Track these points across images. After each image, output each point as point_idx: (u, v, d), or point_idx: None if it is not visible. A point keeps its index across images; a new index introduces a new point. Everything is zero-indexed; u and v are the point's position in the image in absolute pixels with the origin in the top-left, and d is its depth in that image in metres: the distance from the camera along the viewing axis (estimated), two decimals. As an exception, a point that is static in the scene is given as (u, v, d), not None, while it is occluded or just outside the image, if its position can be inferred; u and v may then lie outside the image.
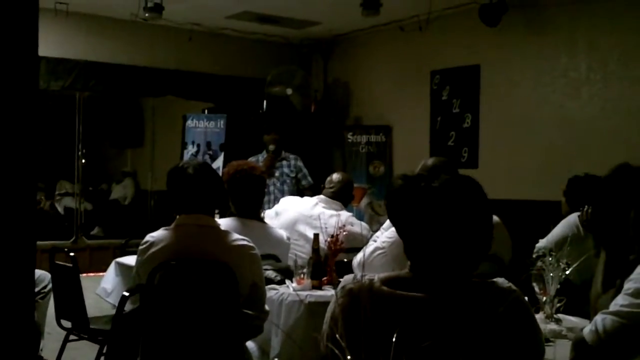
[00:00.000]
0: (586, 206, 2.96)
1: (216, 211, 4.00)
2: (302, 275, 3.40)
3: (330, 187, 4.51)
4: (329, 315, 1.70)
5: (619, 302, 2.05)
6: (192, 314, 2.71)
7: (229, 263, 2.72)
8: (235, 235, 2.87)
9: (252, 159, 6.24)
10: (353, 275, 1.72)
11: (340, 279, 3.57)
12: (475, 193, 1.74)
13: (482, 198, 1.76)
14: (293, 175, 6.52)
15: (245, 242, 2.85)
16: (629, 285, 2.06)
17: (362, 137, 7.92)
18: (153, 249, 2.80)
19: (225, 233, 2.87)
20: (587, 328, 2.07)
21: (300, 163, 6.56)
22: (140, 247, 2.86)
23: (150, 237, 2.85)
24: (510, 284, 1.70)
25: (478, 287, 1.67)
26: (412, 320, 1.61)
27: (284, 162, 6.56)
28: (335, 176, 4.61)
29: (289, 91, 7.70)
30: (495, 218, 3.55)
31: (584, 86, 6.21)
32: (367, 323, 1.54)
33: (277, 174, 6.48)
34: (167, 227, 2.87)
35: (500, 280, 1.71)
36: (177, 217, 2.89)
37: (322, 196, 4.46)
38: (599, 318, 2.06)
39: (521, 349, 1.64)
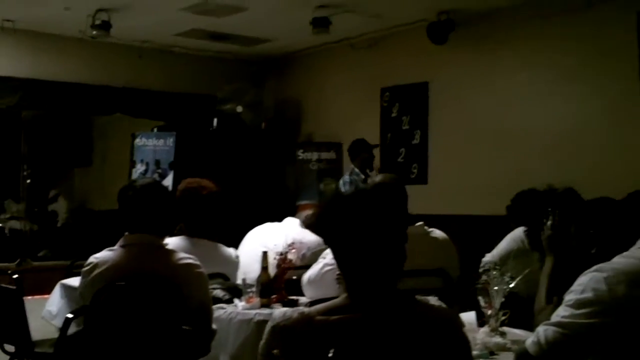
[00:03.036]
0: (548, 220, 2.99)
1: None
2: (251, 294, 3.37)
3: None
4: (260, 351, 1.71)
5: (560, 313, 2.08)
6: (137, 335, 2.67)
7: (175, 282, 2.69)
8: (181, 254, 2.84)
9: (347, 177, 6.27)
10: (283, 311, 1.72)
11: (291, 297, 3.57)
12: (392, 202, 1.77)
13: (405, 210, 1.79)
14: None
15: (191, 261, 2.82)
16: (569, 297, 2.09)
17: (313, 154, 7.94)
18: (97, 270, 2.76)
19: (171, 252, 2.84)
20: (530, 339, 2.10)
21: None
22: (84, 269, 2.81)
23: (94, 258, 2.81)
24: (441, 303, 1.73)
25: (411, 305, 1.69)
26: (349, 343, 1.62)
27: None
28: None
29: (240, 108, 7.69)
30: (442, 234, 3.61)
31: (529, 102, 6.33)
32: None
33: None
34: (111, 248, 2.83)
35: (433, 299, 1.73)
36: (123, 237, 2.85)
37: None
38: (540, 329, 2.08)
39: None
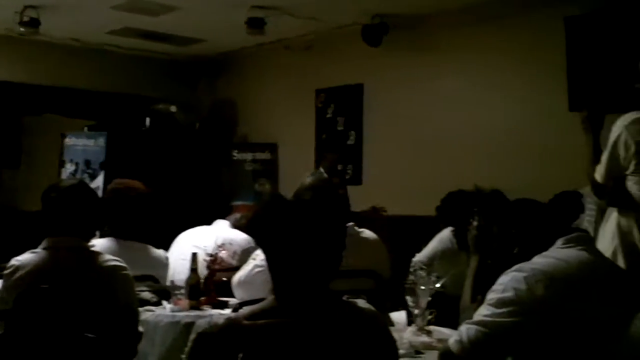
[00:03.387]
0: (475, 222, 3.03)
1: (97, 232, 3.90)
2: (179, 296, 3.34)
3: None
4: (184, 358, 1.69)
5: (482, 312, 2.11)
6: (60, 339, 2.60)
7: (100, 285, 2.64)
8: (107, 256, 2.79)
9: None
10: (209, 318, 1.71)
11: (221, 299, 3.54)
12: (334, 208, 1.77)
13: (341, 214, 1.80)
14: None
15: (117, 263, 2.77)
16: (491, 296, 2.12)
17: (248, 155, 7.90)
18: (19, 273, 2.69)
19: (96, 254, 2.78)
20: (453, 338, 2.13)
21: None
22: (5, 272, 2.74)
23: (16, 260, 2.73)
24: (369, 306, 1.74)
25: (339, 308, 1.70)
26: (276, 348, 1.61)
27: None
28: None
29: (173, 108, 7.60)
30: (372, 234, 3.64)
31: (461, 104, 6.43)
32: None
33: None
34: (34, 250, 2.76)
35: (361, 302, 1.75)
36: (45, 239, 2.78)
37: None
38: (463, 328, 2.12)
39: None
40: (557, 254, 2.16)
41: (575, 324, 2.04)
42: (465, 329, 2.10)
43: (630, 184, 3.02)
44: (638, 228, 3.02)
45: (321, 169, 6.53)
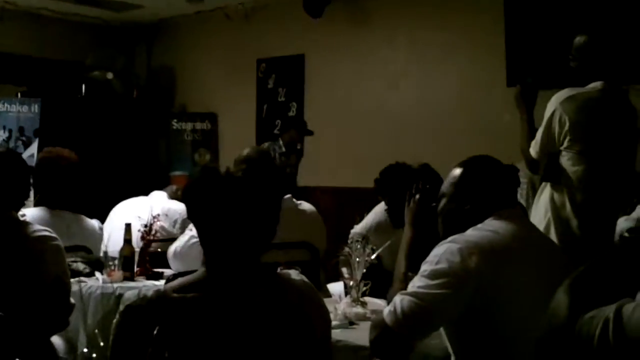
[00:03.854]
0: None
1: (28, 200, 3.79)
2: (113, 267, 3.28)
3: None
4: (113, 332, 1.66)
5: (416, 283, 2.11)
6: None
7: (28, 255, 2.56)
8: (36, 227, 2.71)
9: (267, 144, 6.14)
10: (137, 290, 1.68)
11: (156, 270, 3.50)
12: (266, 183, 1.75)
13: (275, 188, 1.78)
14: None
15: (46, 233, 2.69)
16: (424, 267, 2.12)
17: (187, 125, 7.79)
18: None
19: (24, 225, 2.69)
20: (387, 309, 2.13)
21: None
22: None
23: (-61, 230, 2.62)
24: (302, 277, 1.73)
25: (270, 280, 1.69)
26: (207, 320, 1.59)
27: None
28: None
29: (110, 75, 7.42)
30: (310, 207, 3.64)
31: (402, 78, 6.46)
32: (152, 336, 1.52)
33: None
34: (-44, 221, 2.65)
35: (294, 273, 1.74)
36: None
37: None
38: (397, 299, 2.11)
39: (311, 337, 1.67)
40: (491, 227, 2.16)
41: (507, 296, 2.05)
42: (399, 300, 2.09)
43: (564, 160, 3.08)
44: (570, 203, 3.08)
45: (280, 142, 6.50)
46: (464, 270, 2.05)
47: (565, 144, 3.04)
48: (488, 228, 2.16)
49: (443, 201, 2.33)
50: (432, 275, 2.07)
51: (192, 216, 1.73)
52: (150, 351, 1.46)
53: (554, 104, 3.07)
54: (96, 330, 3.00)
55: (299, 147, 6.58)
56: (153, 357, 1.29)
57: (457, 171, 2.31)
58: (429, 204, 2.89)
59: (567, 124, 3.01)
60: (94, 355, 2.02)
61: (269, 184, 1.74)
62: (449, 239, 2.15)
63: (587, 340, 1.18)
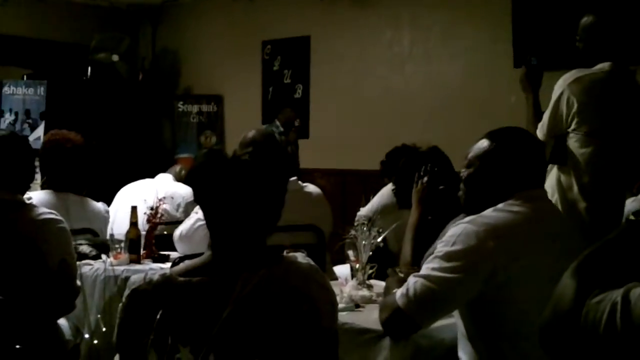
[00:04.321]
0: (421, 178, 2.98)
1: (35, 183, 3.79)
2: (119, 250, 3.29)
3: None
4: (119, 315, 1.66)
5: (430, 265, 2.07)
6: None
7: (35, 239, 2.56)
8: (41, 209, 2.71)
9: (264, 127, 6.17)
10: (143, 274, 1.67)
11: (162, 252, 3.50)
12: (273, 166, 1.74)
13: (281, 171, 1.77)
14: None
15: (52, 216, 2.70)
16: (440, 248, 2.07)
17: (192, 107, 7.78)
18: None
19: (30, 208, 2.70)
20: (399, 291, 2.10)
21: None
22: None
23: (-56, 213, 2.63)
24: (308, 260, 1.73)
25: (276, 263, 1.68)
26: (212, 304, 1.59)
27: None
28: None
29: (115, 58, 7.40)
30: (315, 189, 3.62)
31: (407, 61, 6.43)
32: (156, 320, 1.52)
33: None
34: (-37, 203, 2.65)
35: (300, 256, 1.73)
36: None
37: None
38: (411, 281, 2.08)
39: (316, 320, 1.66)
40: (512, 209, 2.10)
41: (522, 281, 2.01)
42: (413, 283, 2.06)
43: (572, 142, 3.05)
44: (578, 185, 3.06)
45: (277, 122, 6.50)
46: (480, 254, 2.01)
47: (573, 125, 3.01)
48: (509, 210, 2.09)
49: (467, 171, 2.24)
50: (447, 257, 2.04)
51: (199, 199, 1.72)
52: (152, 336, 1.45)
53: (561, 86, 3.04)
54: (99, 315, 3.05)
55: (296, 124, 6.59)
56: (156, 341, 1.29)
57: (485, 142, 2.21)
58: (436, 187, 2.88)
59: (575, 106, 2.98)
60: (96, 341, 2.02)
61: (275, 166, 1.73)
62: (467, 219, 2.09)
63: (594, 325, 1.16)
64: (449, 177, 2.88)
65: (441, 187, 2.86)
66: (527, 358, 1.98)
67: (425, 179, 2.85)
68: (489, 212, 2.10)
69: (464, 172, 2.26)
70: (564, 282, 1.22)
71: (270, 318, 1.61)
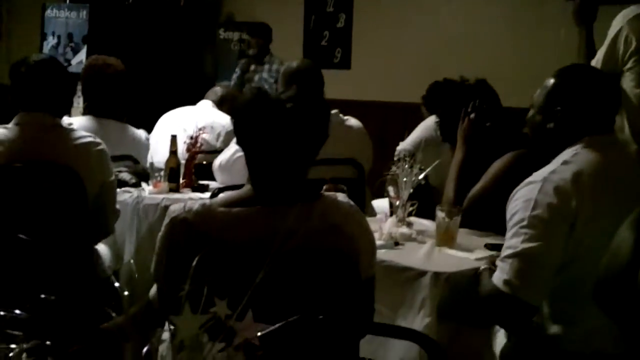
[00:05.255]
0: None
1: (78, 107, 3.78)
2: (158, 178, 3.28)
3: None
4: (158, 244, 1.65)
5: (517, 238, 1.89)
6: (34, 219, 2.55)
7: (73, 162, 2.58)
8: (80, 133, 2.72)
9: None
10: (183, 203, 1.65)
11: (201, 182, 3.50)
12: (321, 112, 1.70)
13: (325, 115, 1.72)
14: (272, 81, 6.29)
15: (90, 139, 2.70)
16: (521, 215, 1.90)
17: (234, 34, 7.68)
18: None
19: (69, 131, 2.70)
20: (498, 278, 1.91)
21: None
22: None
23: (-14, 135, 2.64)
24: (349, 200, 1.69)
25: (318, 198, 1.66)
26: (251, 235, 1.57)
27: (265, 67, 6.37)
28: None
29: (158, -18, 7.31)
30: (357, 123, 3.56)
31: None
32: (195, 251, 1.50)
33: (255, 78, 6.29)
34: (5, 126, 2.66)
35: (341, 196, 1.70)
36: (17, 114, 2.68)
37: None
38: (506, 264, 1.90)
39: (354, 258, 1.64)
40: (581, 161, 1.94)
41: (598, 238, 1.75)
42: (509, 265, 1.88)
43: (627, 81, 2.94)
44: (630, 126, 2.96)
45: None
46: (566, 210, 1.87)
47: (629, 64, 2.89)
48: (579, 161, 1.95)
49: (532, 112, 2.10)
50: (532, 224, 1.88)
51: (240, 139, 1.69)
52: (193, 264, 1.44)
53: (620, 22, 2.90)
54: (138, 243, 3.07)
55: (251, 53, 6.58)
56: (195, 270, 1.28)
57: (551, 81, 2.05)
58: (483, 124, 2.80)
59: (634, 44, 2.85)
60: (134, 269, 2.02)
61: (318, 109, 1.68)
62: (538, 177, 1.93)
63: None
64: (496, 114, 2.79)
65: (488, 124, 2.78)
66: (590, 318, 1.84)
67: (472, 115, 2.77)
68: (559, 165, 1.95)
69: (528, 115, 2.12)
70: (621, 235, 1.15)
71: (309, 253, 1.59)
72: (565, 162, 1.95)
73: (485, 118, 2.78)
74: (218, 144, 3.94)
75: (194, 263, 1.27)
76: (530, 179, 1.96)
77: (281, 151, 1.63)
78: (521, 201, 1.92)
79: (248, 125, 1.65)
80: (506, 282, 1.88)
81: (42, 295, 1.23)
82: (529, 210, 1.88)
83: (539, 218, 1.87)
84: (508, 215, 1.95)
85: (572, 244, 1.88)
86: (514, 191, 1.97)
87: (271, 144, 1.63)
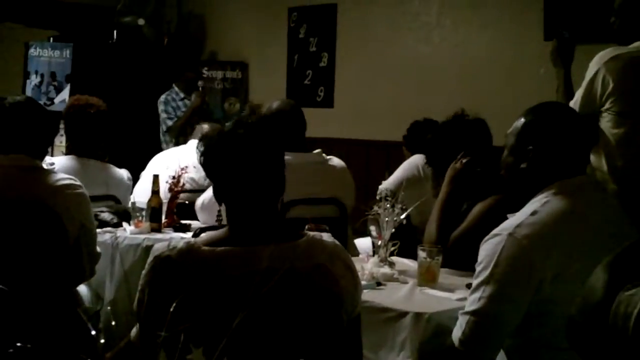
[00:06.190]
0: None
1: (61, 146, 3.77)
2: (140, 218, 3.27)
3: None
4: (140, 282, 1.65)
5: (477, 294, 1.89)
6: (13, 261, 2.53)
7: (52, 203, 2.56)
8: (60, 175, 2.71)
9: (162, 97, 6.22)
10: (166, 242, 1.66)
11: (183, 222, 3.48)
12: (273, 136, 1.73)
13: (276, 144, 1.75)
14: None
15: (71, 182, 2.69)
16: (482, 271, 1.90)
17: (217, 73, 7.72)
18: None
19: (48, 173, 2.69)
20: (456, 333, 1.96)
21: None
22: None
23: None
24: (334, 240, 1.70)
25: (301, 237, 1.66)
26: (233, 274, 1.57)
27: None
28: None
29: (141, 21, 7.35)
30: (339, 162, 3.57)
31: (435, 30, 6.30)
32: (182, 290, 1.50)
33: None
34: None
35: (326, 236, 1.70)
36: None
37: None
38: (463, 319, 1.94)
39: (339, 301, 1.63)
40: (555, 207, 1.91)
41: (569, 289, 1.75)
42: (465, 321, 1.92)
43: (604, 122, 2.97)
44: (608, 166, 2.98)
45: (175, 89, 6.46)
46: (529, 271, 1.85)
47: (607, 105, 2.92)
48: (549, 211, 1.91)
49: (505, 153, 2.08)
50: (493, 280, 1.87)
51: (208, 175, 1.75)
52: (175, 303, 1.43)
53: (597, 64, 2.94)
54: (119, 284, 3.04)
55: (200, 83, 6.58)
56: (167, 339, 1.27)
57: (521, 120, 2.03)
58: (473, 169, 2.80)
59: (611, 85, 2.88)
60: (113, 309, 2.01)
61: (272, 141, 1.71)
62: (506, 228, 1.89)
63: (625, 318, 1.11)
64: (487, 159, 2.80)
65: (478, 169, 2.78)
66: None
67: (465, 160, 2.77)
68: (527, 216, 1.91)
69: (502, 156, 2.11)
70: (594, 276, 1.16)
71: (294, 296, 1.58)
72: (534, 213, 1.92)
73: (478, 163, 2.80)
74: (205, 183, 3.93)
75: (173, 305, 1.27)
76: (497, 230, 1.93)
77: (242, 177, 1.65)
78: (484, 255, 1.92)
79: (208, 158, 1.68)
80: (461, 342, 1.93)
81: (18, 344, 1.21)
82: (490, 267, 1.87)
83: (498, 277, 1.86)
84: (476, 263, 1.95)
85: (539, 300, 1.87)
86: (484, 239, 1.96)
87: (231, 170, 1.66)
